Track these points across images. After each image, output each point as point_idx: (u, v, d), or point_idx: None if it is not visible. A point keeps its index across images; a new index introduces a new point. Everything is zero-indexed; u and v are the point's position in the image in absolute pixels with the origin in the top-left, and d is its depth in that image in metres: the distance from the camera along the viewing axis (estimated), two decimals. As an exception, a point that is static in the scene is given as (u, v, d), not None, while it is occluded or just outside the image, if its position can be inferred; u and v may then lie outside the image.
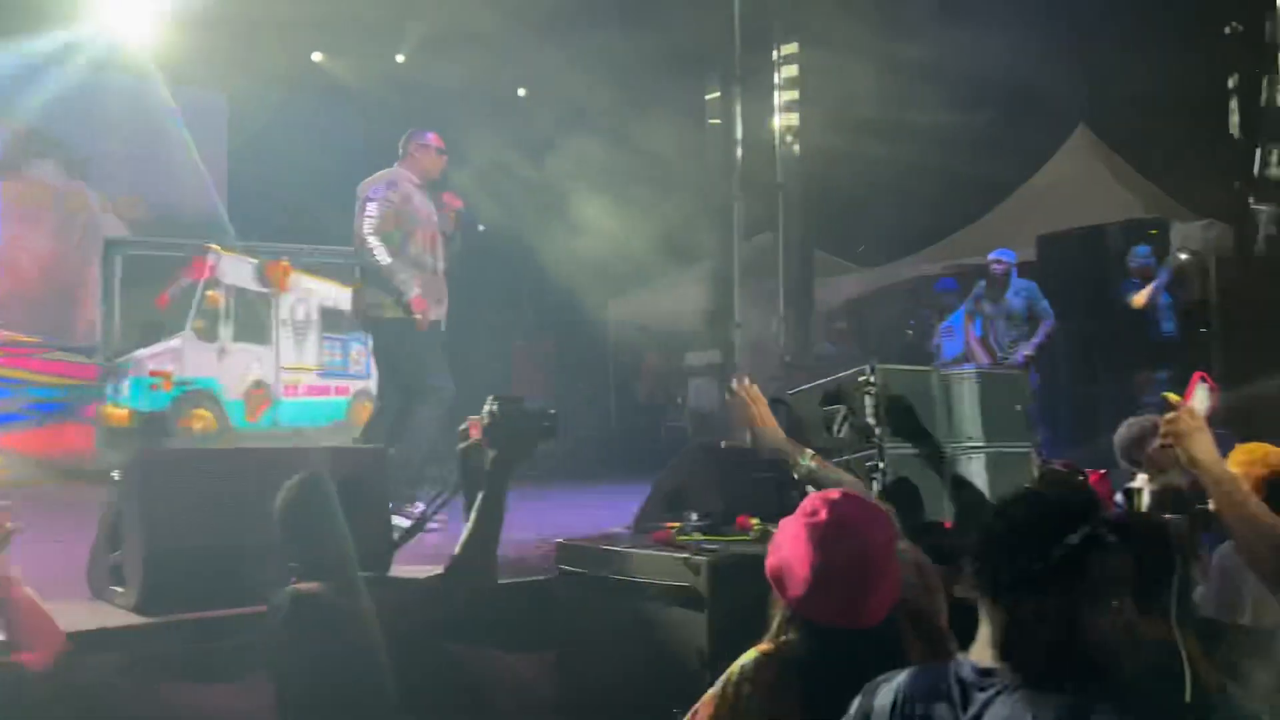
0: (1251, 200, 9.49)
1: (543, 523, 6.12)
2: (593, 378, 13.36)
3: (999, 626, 1.66)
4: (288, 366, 8.81)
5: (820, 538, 1.98)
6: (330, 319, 9.24)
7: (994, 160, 11.35)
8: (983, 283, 8.31)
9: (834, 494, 2.12)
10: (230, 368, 8.64)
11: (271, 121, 11.29)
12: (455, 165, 12.17)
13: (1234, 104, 9.62)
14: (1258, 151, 9.13)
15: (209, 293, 8.56)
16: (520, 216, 12.10)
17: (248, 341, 8.59)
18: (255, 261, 8.69)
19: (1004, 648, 1.66)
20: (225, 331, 8.64)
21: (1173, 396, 2.16)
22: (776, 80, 11.53)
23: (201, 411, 8.53)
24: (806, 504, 2.08)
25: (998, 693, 1.64)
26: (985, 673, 1.67)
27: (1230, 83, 9.69)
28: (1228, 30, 9.58)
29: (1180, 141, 10.16)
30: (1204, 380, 2.57)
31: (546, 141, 11.96)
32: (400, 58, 11.78)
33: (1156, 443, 2.16)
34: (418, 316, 5.23)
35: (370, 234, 5.22)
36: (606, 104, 11.37)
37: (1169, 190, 10.28)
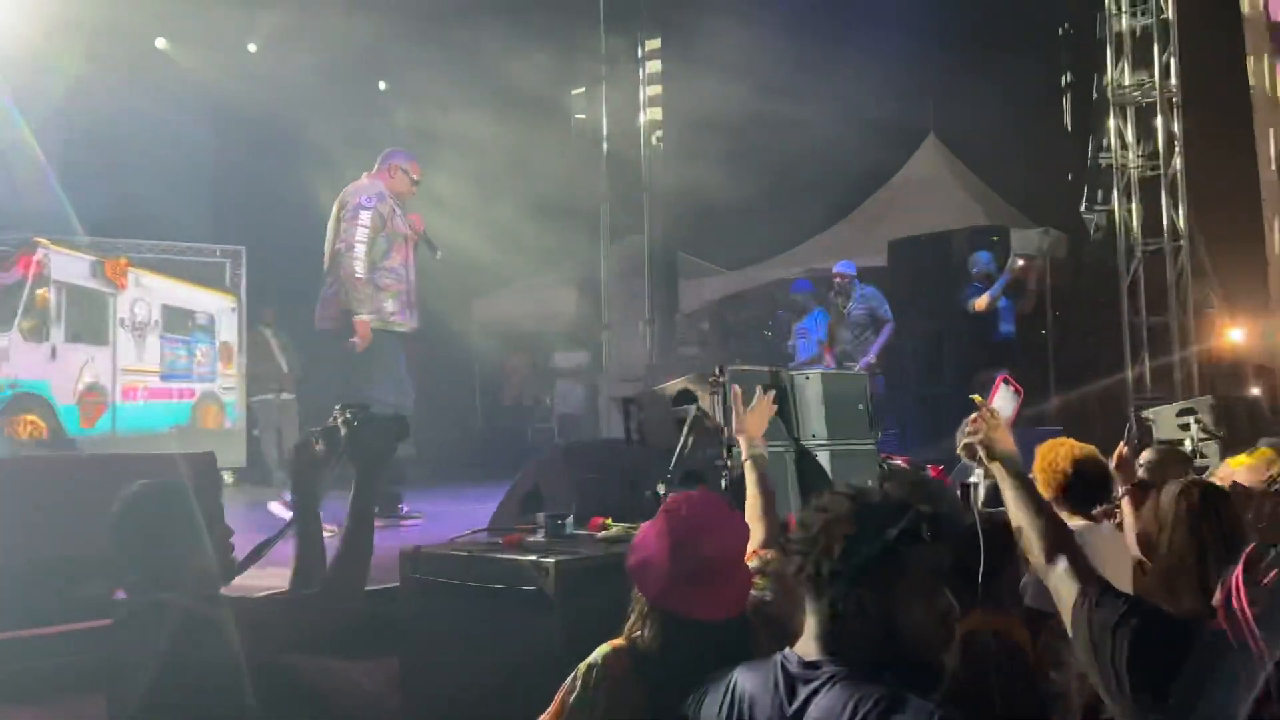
0: (1083, 209, 10.13)
1: (399, 529, 5.97)
2: (456, 380, 13.15)
3: (822, 620, 1.71)
4: (127, 369, 8.30)
5: (683, 531, 2.06)
6: (174, 318, 8.78)
7: (850, 167, 11.75)
8: (832, 293, 8.64)
9: (695, 494, 2.21)
10: (63, 370, 8.08)
11: (113, 110, 10.67)
12: (314, 161, 11.84)
13: (1066, 100, 10.24)
14: (1090, 140, 9.76)
15: (38, 290, 7.99)
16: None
17: (82, 342, 8.06)
18: (91, 258, 8.16)
19: (826, 640, 1.70)
20: (57, 331, 8.09)
21: (977, 398, 2.28)
22: (641, 76, 11.68)
23: (30, 417, 7.96)
24: (670, 501, 2.17)
25: (821, 684, 1.67)
26: (810, 665, 1.71)
27: (1063, 81, 10.31)
28: (1060, 31, 10.19)
29: (1019, 149, 10.74)
30: (1007, 382, 2.70)
31: (409, 136, 11.70)
32: (252, 47, 11.32)
33: (961, 441, 2.29)
34: (355, 340, 5.32)
35: (360, 242, 5.24)
36: (471, 100, 11.22)
37: (1009, 198, 10.85)
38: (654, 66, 11.70)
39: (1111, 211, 9.53)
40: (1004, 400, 2.40)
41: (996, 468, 2.17)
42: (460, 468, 10.95)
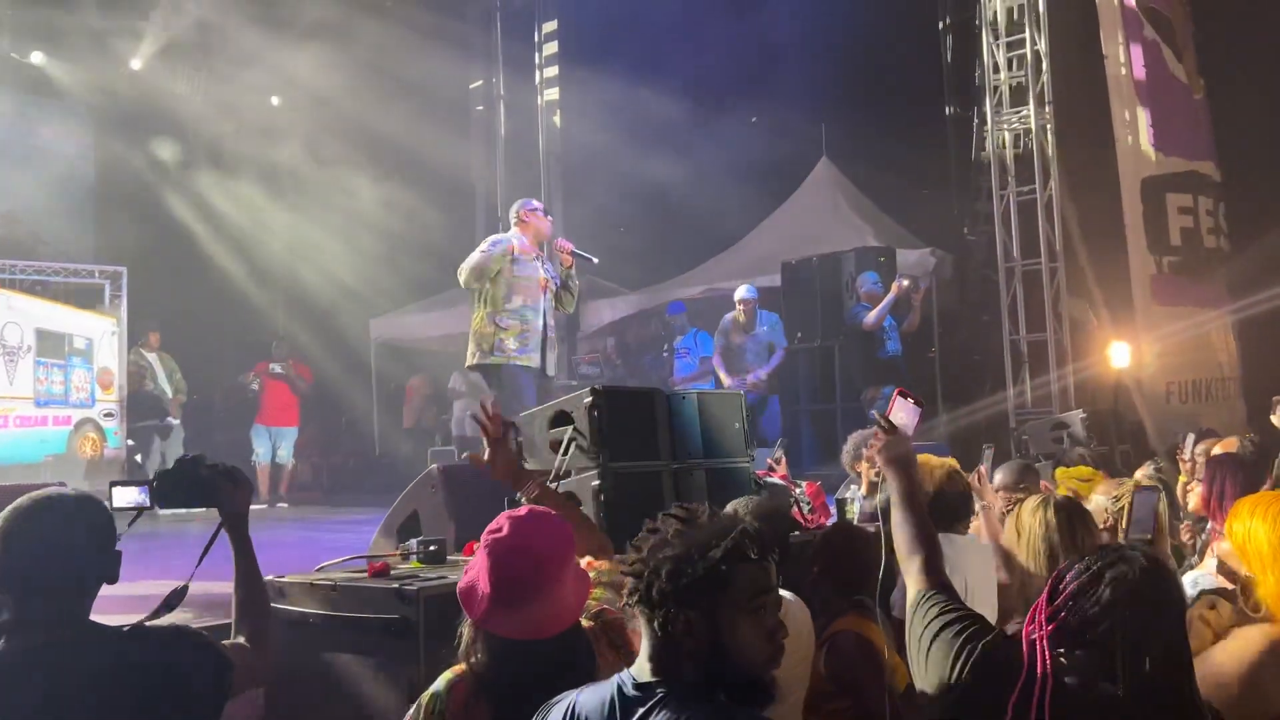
0: (966, 230, 10.49)
1: (275, 556, 5.80)
2: (354, 402, 12.91)
3: (654, 641, 1.72)
4: (-4, 395, 7.94)
5: (499, 553, 2.03)
6: (49, 342, 8.40)
7: (747, 189, 11.96)
8: (730, 315, 8.77)
9: (520, 511, 2.16)
10: (-74, 398, 7.65)
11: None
12: (202, 180, 11.52)
13: (949, 124, 10.57)
14: (971, 164, 10.12)
15: (-102, 313, 7.56)
16: (273, 232, 11.56)
17: (-53, 368, 7.66)
18: (-43, 279, 7.80)
19: (658, 661, 1.71)
20: (-81, 357, 7.66)
21: (876, 413, 2.42)
22: (538, 60, 11.77)
23: (-110, 447, 7.51)
24: (494, 522, 2.12)
25: (654, 705, 1.69)
26: (644, 686, 1.72)
27: (945, 107, 10.66)
28: (941, 38, 10.56)
29: (907, 172, 11.06)
30: (904, 395, 2.78)
31: (304, 152, 11.50)
32: (136, 64, 10.98)
33: (866, 455, 2.42)
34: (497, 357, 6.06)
35: (471, 263, 5.90)
36: (368, 111, 11.10)
37: (897, 219, 11.16)
38: (550, 49, 11.83)
39: (992, 233, 9.88)
40: (901, 412, 2.50)
41: (890, 472, 2.28)
42: (356, 492, 10.74)
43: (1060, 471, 3.92)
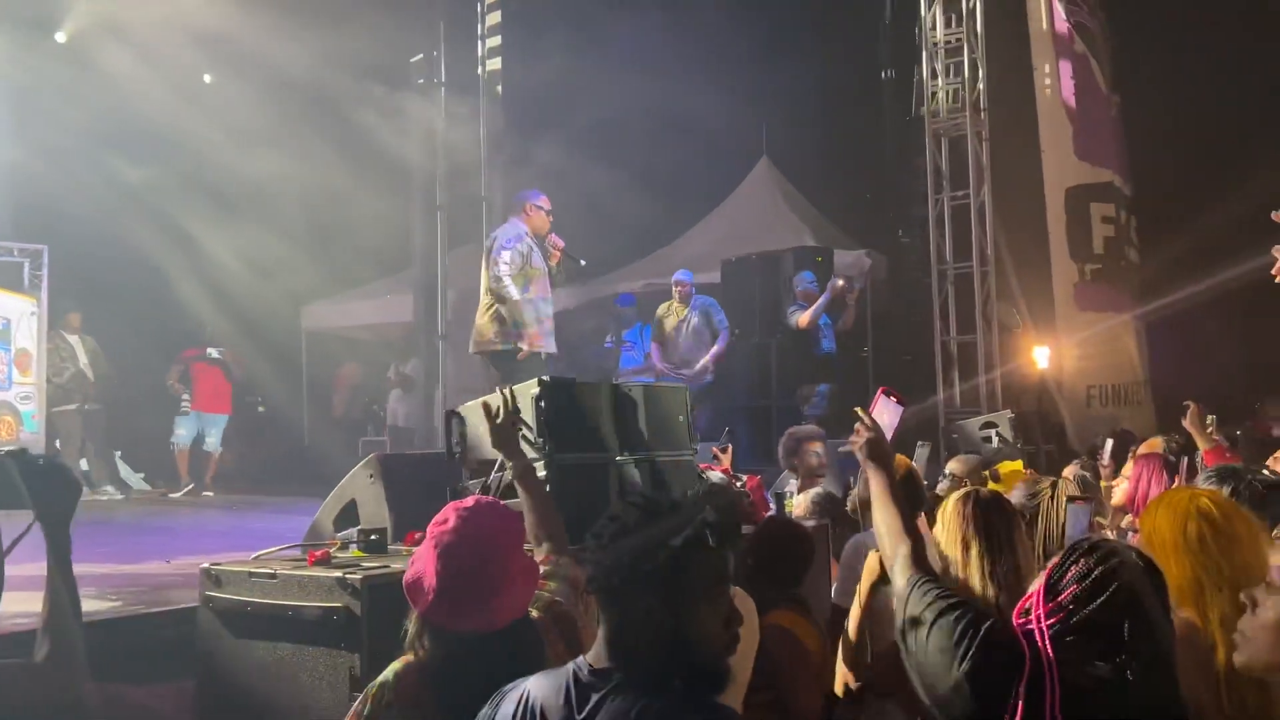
0: (900, 233, 10.69)
1: (204, 545, 5.68)
2: (283, 390, 12.64)
3: (611, 627, 1.73)
4: (-95, 376, 7.59)
5: (445, 545, 2.02)
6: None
7: (688, 185, 12.02)
8: (663, 305, 8.79)
9: (467, 501, 2.15)
10: None
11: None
12: (128, 157, 11.14)
13: (886, 129, 10.76)
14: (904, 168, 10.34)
15: None
16: (200, 215, 11.25)
17: None
18: None
19: (615, 647, 1.72)
20: None
21: (858, 410, 2.48)
22: (480, 31, 11.64)
23: None
24: (440, 514, 2.11)
25: (610, 691, 1.70)
26: (600, 672, 1.73)
27: (883, 109, 10.86)
28: (878, 47, 10.74)
29: (844, 175, 11.24)
30: (887, 394, 2.82)
31: (236, 133, 11.18)
32: (61, 37, 10.58)
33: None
34: (523, 347, 6.23)
35: (508, 275, 6.19)
36: (303, 91, 10.83)
37: (834, 220, 11.33)
38: (493, 19, 11.70)
39: (926, 236, 10.09)
40: (883, 410, 2.55)
41: (870, 468, 2.36)
42: (283, 482, 10.52)
43: (1001, 466, 4.04)
